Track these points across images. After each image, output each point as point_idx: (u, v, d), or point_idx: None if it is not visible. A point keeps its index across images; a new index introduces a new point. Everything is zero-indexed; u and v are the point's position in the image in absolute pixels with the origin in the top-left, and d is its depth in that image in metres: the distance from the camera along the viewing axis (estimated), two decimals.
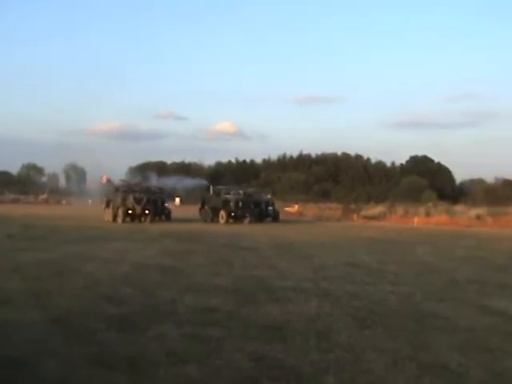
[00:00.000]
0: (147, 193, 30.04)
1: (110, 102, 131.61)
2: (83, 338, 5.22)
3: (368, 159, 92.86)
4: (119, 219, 28.08)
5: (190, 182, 49.28)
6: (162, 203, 30.19)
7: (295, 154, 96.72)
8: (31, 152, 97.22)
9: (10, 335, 5.32)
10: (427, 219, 38.47)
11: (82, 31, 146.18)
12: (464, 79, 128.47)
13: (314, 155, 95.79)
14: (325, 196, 74.34)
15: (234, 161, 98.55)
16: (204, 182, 44.30)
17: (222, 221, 30.03)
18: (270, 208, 33.79)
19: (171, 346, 5.05)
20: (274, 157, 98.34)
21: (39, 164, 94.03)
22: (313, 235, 22.74)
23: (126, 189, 30.42)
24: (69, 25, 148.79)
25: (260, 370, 4.46)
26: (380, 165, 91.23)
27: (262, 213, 32.46)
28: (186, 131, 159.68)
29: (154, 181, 40.45)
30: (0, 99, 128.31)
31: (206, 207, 32.17)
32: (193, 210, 35.40)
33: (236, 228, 26.12)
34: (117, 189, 30.85)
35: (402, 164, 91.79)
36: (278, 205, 37.51)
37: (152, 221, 28.36)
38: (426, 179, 78.96)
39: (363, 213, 44.15)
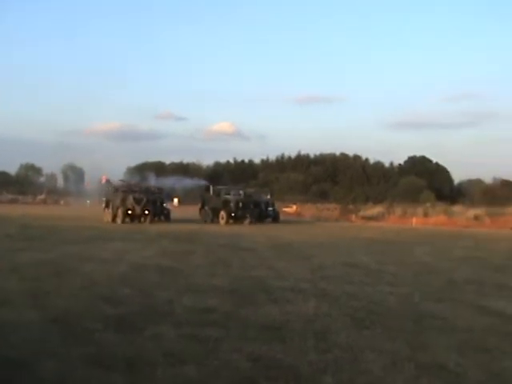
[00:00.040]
0: (147, 193, 29.94)
1: (110, 102, 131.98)
2: (81, 339, 5.21)
3: (366, 159, 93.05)
4: (119, 219, 28.00)
5: (188, 183, 49.19)
6: (161, 203, 30.10)
7: (293, 154, 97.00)
8: (30, 152, 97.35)
9: (8, 335, 5.31)
10: (425, 220, 38.55)
11: (81, 31, 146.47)
12: (464, 79, 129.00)
13: (312, 155, 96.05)
14: (323, 196, 74.47)
15: (232, 161, 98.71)
16: (203, 183, 44.20)
17: (222, 221, 29.96)
18: (270, 209, 33.76)
19: (169, 346, 5.04)
20: (272, 157, 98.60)
21: (37, 164, 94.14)
22: (311, 236, 22.75)
23: (125, 189, 30.29)
24: (69, 25, 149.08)
25: (258, 370, 4.45)
26: (378, 165, 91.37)
27: (262, 213, 32.42)
28: (185, 131, 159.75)
29: (153, 181, 40.40)
30: (0, 99, 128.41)
31: (206, 207, 32.11)
32: (191, 211, 35.38)
33: (236, 229, 26.08)
34: (116, 189, 30.71)
35: (400, 164, 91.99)
36: (276, 205, 37.50)
37: (151, 221, 28.32)
38: (424, 179, 79.08)
39: (361, 213, 44.26)
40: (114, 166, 54.68)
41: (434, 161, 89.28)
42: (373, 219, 40.91)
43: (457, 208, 45.50)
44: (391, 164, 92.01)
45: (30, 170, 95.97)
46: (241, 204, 30.72)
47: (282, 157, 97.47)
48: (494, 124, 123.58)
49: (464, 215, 39.40)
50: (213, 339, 5.25)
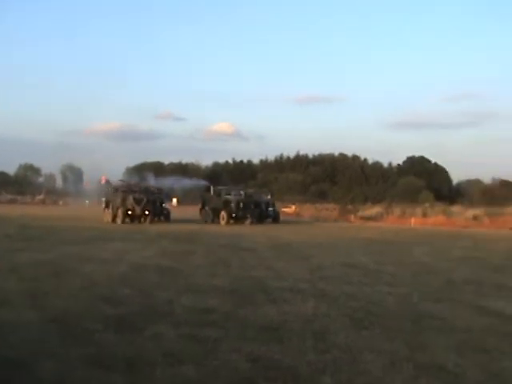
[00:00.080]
0: (147, 193, 29.88)
1: (110, 102, 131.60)
2: (80, 339, 5.22)
3: (365, 160, 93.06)
4: (119, 220, 27.97)
5: (187, 183, 49.20)
6: (161, 204, 30.08)
7: (292, 154, 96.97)
8: (29, 152, 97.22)
9: (7, 335, 5.31)
10: (424, 220, 38.55)
11: (82, 31, 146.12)
12: (464, 79, 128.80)
13: (311, 156, 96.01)
14: (322, 196, 74.41)
15: (231, 161, 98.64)
16: (202, 183, 44.19)
17: (222, 222, 29.90)
18: (271, 209, 33.75)
19: (168, 346, 5.05)
20: (271, 157, 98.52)
21: (36, 164, 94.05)
22: (310, 236, 22.76)
23: (125, 189, 30.22)
24: (69, 25, 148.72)
25: (257, 370, 4.46)
26: (377, 165, 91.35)
27: (263, 213, 32.39)
28: (184, 132, 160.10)
29: (152, 181, 40.37)
30: (0, 99, 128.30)
31: (207, 208, 32.07)
32: (191, 211, 35.37)
33: (237, 229, 26.05)
34: (116, 189, 30.65)
35: (398, 164, 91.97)
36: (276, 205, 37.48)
37: (151, 221, 28.30)
38: (423, 180, 79.06)
39: (360, 213, 44.23)
40: (114, 166, 54.77)
41: (433, 161, 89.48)
42: (371, 219, 40.91)
43: (455, 208, 45.52)
44: (390, 164, 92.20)
45: (29, 170, 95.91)
46: (241, 204, 30.66)
47: (281, 157, 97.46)
48: (494, 124, 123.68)
49: (463, 215, 39.42)
50: (212, 339, 5.25)
